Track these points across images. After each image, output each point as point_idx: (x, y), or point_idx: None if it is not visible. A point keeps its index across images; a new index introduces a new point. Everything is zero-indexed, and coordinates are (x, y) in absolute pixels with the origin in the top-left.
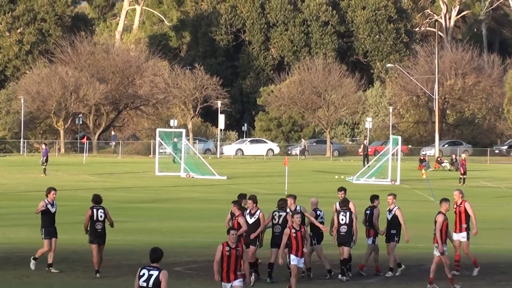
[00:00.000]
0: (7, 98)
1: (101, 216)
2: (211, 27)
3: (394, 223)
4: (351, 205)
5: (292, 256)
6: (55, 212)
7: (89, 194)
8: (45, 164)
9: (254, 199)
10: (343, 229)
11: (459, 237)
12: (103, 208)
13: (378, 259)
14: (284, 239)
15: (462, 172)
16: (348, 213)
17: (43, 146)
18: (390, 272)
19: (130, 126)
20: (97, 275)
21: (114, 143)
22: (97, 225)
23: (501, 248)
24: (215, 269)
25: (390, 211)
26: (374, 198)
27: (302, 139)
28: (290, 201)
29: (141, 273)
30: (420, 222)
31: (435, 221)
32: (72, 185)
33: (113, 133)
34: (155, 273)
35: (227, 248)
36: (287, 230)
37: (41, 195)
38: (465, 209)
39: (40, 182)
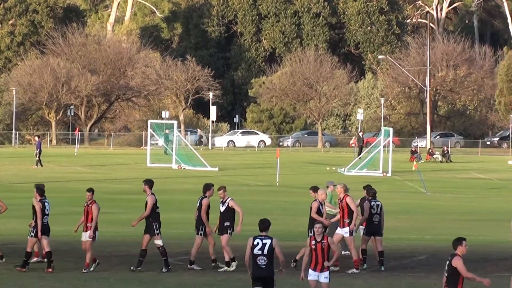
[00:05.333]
0: None
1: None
2: (203, 18)
3: (228, 215)
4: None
5: (310, 271)
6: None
7: (81, 185)
8: (38, 156)
9: (224, 188)
10: (376, 218)
11: (343, 232)
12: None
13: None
14: (306, 250)
15: None
16: (380, 203)
17: (36, 138)
18: (225, 267)
19: (122, 117)
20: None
21: (37, 152)
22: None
23: (492, 239)
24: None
25: (223, 202)
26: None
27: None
28: (212, 191)
29: (255, 243)
30: (412, 213)
31: None
32: (64, 176)
33: (37, 139)
34: (268, 241)
35: (313, 242)
36: (307, 241)
37: (33, 187)
38: (347, 204)
39: (32, 174)
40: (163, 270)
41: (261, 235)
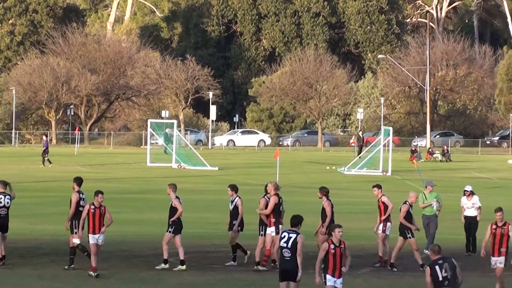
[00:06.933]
0: None
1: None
2: (203, 18)
3: (172, 215)
4: None
5: (328, 276)
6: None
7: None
8: (46, 155)
9: (233, 187)
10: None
11: (269, 231)
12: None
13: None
14: (321, 254)
15: None
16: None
17: (44, 137)
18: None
19: (122, 117)
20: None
21: (44, 149)
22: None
23: None
24: (317, 269)
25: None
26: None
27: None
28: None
29: (282, 235)
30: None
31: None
32: (64, 176)
33: (44, 138)
34: (293, 236)
35: (332, 246)
36: (325, 245)
37: (33, 186)
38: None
39: (32, 173)
40: (66, 267)
41: (290, 230)
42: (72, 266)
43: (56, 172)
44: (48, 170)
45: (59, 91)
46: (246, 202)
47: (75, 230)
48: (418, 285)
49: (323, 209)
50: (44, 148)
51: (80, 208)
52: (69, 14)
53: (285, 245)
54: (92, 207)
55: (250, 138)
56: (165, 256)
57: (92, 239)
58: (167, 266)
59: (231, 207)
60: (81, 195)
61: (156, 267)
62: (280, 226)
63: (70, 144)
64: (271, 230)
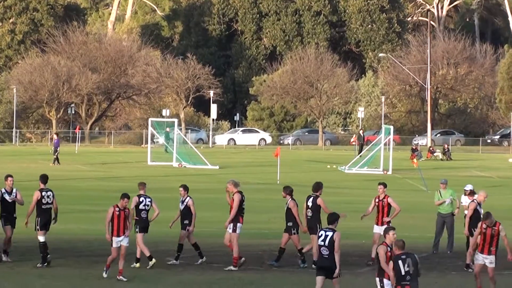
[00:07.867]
0: None
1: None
2: (203, 16)
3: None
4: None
5: (386, 281)
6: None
7: (81, 183)
8: (56, 154)
9: (185, 187)
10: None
11: (230, 230)
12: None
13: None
14: (383, 257)
15: None
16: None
17: (55, 136)
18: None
19: (123, 115)
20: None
21: (54, 149)
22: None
23: None
24: (391, 275)
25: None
26: None
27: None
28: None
29: (319, 234)
30: (412, 211)
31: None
32: (64, 175)
33: (55, 137)
34: (330, 233)
35: (388, 249)
36: (385, 248)
37: (33, 185)
38: (234, 201)
39: (33, 172)
40: (38, 265)
41: (328, 228)
42: (48, 261)
43: (57, 171)
44: (50, 169)
45: (59, 90)
46: (246, 201)
47: (36, 227)
48: (419, 283)
49: (289, 210)
50: (55, 147)
51: (43, 206)
52: (70, 13)
53: (322, 243)
54: (117, 209)
55: (251, 137)
56: (147, 254)
57: (115, 242)
58: (153, 261)
59: (181, 206)
60: (43, 193)
61: (134, 264)
62: (238, 224)
63: (71, 143)
64: (228, 227)
